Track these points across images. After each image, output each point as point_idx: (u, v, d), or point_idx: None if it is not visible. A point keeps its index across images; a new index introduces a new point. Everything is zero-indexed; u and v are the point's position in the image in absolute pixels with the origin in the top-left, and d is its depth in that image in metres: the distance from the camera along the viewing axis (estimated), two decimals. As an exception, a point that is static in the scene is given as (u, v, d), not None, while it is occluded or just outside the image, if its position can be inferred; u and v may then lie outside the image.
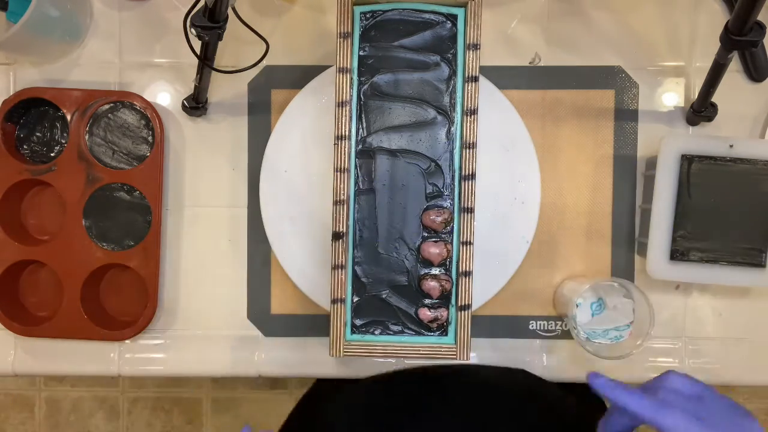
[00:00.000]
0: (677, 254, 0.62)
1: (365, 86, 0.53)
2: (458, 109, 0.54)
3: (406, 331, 0.54)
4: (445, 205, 0.53)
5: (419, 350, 0.53)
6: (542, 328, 0.68)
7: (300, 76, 0.66)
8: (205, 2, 0.51)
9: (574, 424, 0.63)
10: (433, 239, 0.53)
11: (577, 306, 0.61)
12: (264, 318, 0.68)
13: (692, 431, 0.41)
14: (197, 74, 0.61)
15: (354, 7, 0.53)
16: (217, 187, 0.68)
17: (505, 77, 0.67)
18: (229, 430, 1.49)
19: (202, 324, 0.68)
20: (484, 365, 0.58)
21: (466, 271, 0.53)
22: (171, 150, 0.69)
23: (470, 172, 0.53)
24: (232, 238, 0.68)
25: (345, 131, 0.53)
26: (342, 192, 0.53)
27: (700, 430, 0.41)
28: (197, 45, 0.56)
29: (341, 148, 0.53)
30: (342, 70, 0.52)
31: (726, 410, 0.43)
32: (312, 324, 0.68)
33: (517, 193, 0.64)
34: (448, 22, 0.53)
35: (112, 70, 0.69)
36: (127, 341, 0.68)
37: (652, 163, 0.65)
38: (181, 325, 0.68)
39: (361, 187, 0.54)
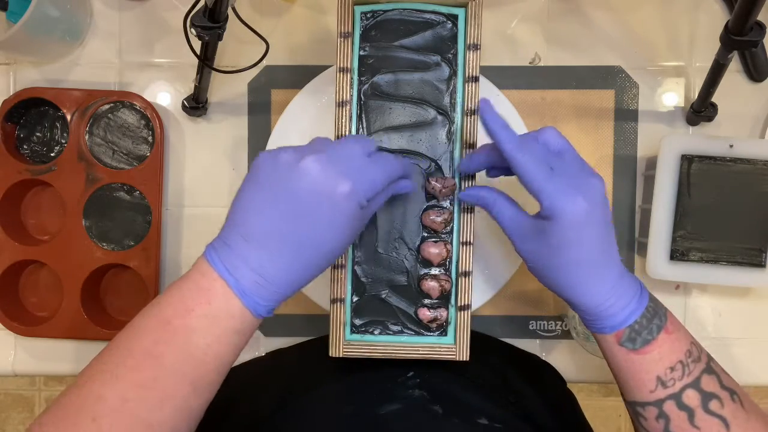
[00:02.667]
0: (677, 254, 0.62)
1: (365, 86, 0.53)
2: (458, 109, 0.54)
3: (405, 331, 0.54)
4: (445, 205, 0.53)
5: (418, 350, 0.53)
6: (542, 328, 0.68)
7: (300, 76, 0.66)
8: (205, 2, 0.51)
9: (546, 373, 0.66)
10: (433, 239, 0.53)
11: (577, 306, 0.61)
12: (264, 318, 0.68)
13: (537, 172, 0.44)
14: (197, 74, 0.61)
15: (354, 7, 0.53)
16: (217, 187, 0.68)
17: (505, 77, 0.67)
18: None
19: (202, 324, 0.68)
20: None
21: (465, 272, 0.53)
22: (171, 150, 0.69)
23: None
24: (232, 238, 0.68)
25: (345, 131, 0.53)
26: (342, 192, 0.53)
27: (546, 175, 0.44)
28: (197, 45, 0.56)
29: (341, 148, 0.53)
30: (342, 70, 0.52)
31: (577, 166, 0.46)
32: (312, 324, 0.68)
33: (517, 193, 0.64)
34: (449, 22, 0.53)
35: (112, 70, 0.69)
36: (127, 341, 0.68)
37: (652, 163, 0.65)
38: (181, 325, 0.68)
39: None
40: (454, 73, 0.53)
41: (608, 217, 0.46)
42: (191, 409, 0.42)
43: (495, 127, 0.45)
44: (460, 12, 0.53)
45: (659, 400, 0.45)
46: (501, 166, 0.49)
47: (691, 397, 0.45)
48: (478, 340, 0.63)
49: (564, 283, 0.47)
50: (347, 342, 0.53)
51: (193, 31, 0.52)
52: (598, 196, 0.45)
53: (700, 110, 0.64)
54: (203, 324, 0.41)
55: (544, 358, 0.68)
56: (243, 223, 0.42)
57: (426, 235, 0.54)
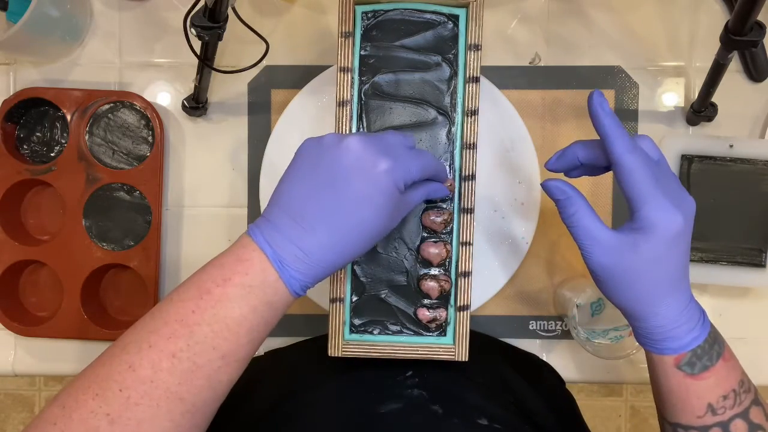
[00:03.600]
0: (677, 254, 0.62)
1: (366, 86, 0.53)
2: (459, 109, 0.54)
3: (404, 331, 0.54)
4: (444, 206, 0.53)
5: (417, 350, 0.53)
6: (542, 328, 0.68)
7: (300, 76, 0.66)
8: (205, 2, 0.51)
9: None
10: (433, 239, 0.53)
11: (577, 306, 0.61)
12: (264, 318, 0.68)
13: (647, 180, 0.43)
14: (197, 74, 0.61)
15: (356, 7, 0.53)
16: (217, 187, 0.68)
17: (505, 77, 0.67)
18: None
19: (202, 324, 0.68)
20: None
21: (465, 272, 0.53)
22: (171, 150, 0.69)
23: (470, 173, 0.53)
24: (232, 238, 0.68)
25: (345, 131, 0.53)
26: (342, 192, 0.53)
27: (654, 184, 0.43)
28: (197, 45, 0.56)
29: (341, 148, 0.53)
30: (343, 70, 0.52)
31: (674, 181, 0.45)
32: (311, 324, 0.68)
33: (517, 194, 0.64)
34: (450, 22, 0.53)
35: (112, 70, 0.69)
36: (127, 341, 0.68)
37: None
38: (181, 325, 0.68)
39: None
40: (454, 74, 0.53)
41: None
42: (220, 384, 0.42)
43: (610, 123, 0.44)
44: (461, 12, 0.53)
45: (705, 426, 0.45)
46: (596, 165, 0.48)
47: (739, 427, 0.45)
48: (477, 339, 0.63)
49: (639, 300, 0.45)
50: (346, 342, 0.53)
51: (193, 31, 0.52)
52: (692, 215, 0.44)
53: (700, 110, 0.64)
54: (239, 293, 0.41)
55: (544, 358, 0.68)
56: (286, 201, 0.43)
57: (426, 235, 0.54)
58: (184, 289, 0.42)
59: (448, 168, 0.54)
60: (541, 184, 0.48)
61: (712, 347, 0.46)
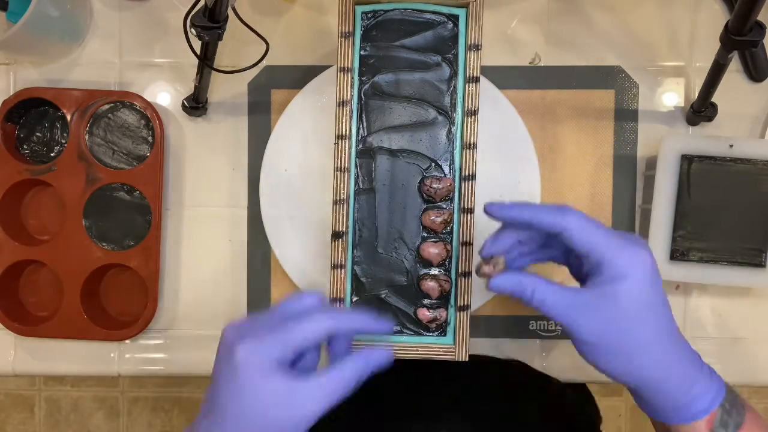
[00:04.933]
0: (677, 254, 0.62)
1: (366, 86, 0.53)
2: (459, 109, 0.54)
3: (404, 331, 0.54)
4: (444, 206, 0.53)
5: (417, 350, 0.53)
6: (542, 328, 0.68)
7: (300, 76, 0.66)
8: (205, 2, 0.51)
9: (574, 415, 0.63)
10: (433, 239, 0.53)
11: (577, 306, 0.60)
12: (264, 318, 0.68)
13: (597, 227, 0.41)
14: (197, 74, 0.61)
15: (355, 7, 0.53)
16: (217, 187, 0.68)
17: (505, 77, 0.67)
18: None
19: (203, 324, 0.68)
20: (481, 360, 0.58)
21: (465, 272, 0.53)
22: (171, 150, 0.69)
23: (470, 173, 0.53)
24: (232, 238, 0.68)
25: (345, 131, 0.53)
26: (342, 191, 0.53)
27: (604, 231, 0.41)
28: (197, 45, 0.56)
29: (341, 147, 0.53)
30: (343, 70, 0.52)
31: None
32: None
33: (517, 194, 0.64)
34: (450, 22, 0.53)
35: (112, 70, 0.69)
36: (127, 341, 0.68)
37: (652, 163, 0.65)
38: (181, 325, 0.68)
39: (361, 186, 0.54)
40: (454, 74, 0.53)
41: None
42: None
43: (524, 208, 0.42)
44: (461, 12, 0.53)
45: None
46: (531, 240, 0.46)
47: None
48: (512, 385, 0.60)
49: (640, 359, 0.41)
50: (347, 342, 0.53)
51: (193, 31, 0.52)
52: (651, 254, 0.41)
53: (700, 110, 0.64)
54: None
55: (544, 358, 0.68)
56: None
57: (426, 235, 0.54)
58: None
59: (448, 168, 0.53)
60: (490, 288, 0.45)
61: (736, 398, 0.42)
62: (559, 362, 0.67)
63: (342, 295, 0.53)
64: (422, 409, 0.53)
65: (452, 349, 0.53)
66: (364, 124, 0.53)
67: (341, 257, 0.53)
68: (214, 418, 0.41)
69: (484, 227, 0.64)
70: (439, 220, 0.53)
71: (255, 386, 0.39)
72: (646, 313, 0.41)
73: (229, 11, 0.53)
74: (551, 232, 0.42)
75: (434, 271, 0.54)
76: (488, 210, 0.44)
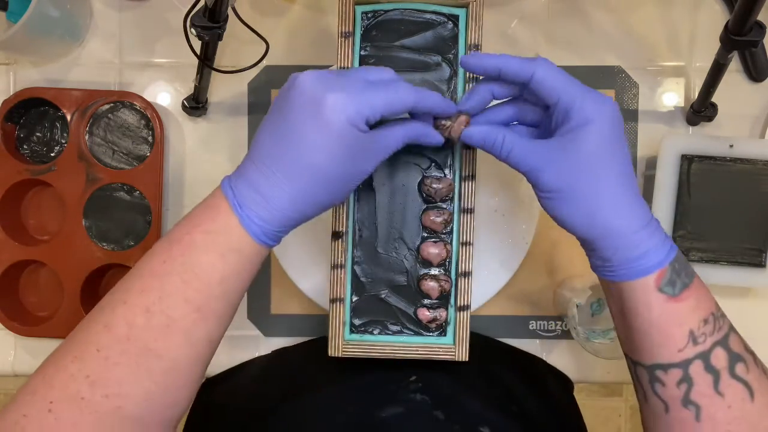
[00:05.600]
0: (677, 254, 0.62)
1: (365, 86, 0.53)
2: (458, 109, 0.54)
3: (404, 331, 0.54)
4: (444, 206, 0.53)
5: (417, 350, 0.53)
6: (542, 328, 0.68)
7: (300, 76, 0.66)
8: (205, 2, 0.51)
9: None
10: (433, 239, 0.53)
11: (577, 306, 0.61)
12: (264, 318, 0.68)
13: (565, 77, 0.42)
14: (197, 74, 0.61)
15: (355, 7, 0.53)
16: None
17: (505, 77, 0.67)
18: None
19: (202, 324, 0.68)
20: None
21: (465, 272, 0.53)
22: (171, 150, 0.69)
23: (470, 173, 0.53)
24: (232, 238, 0.68)
25: (345, 131, 0.53)
26: (342, 192, 0.53)
27: (570, 80, 0.42)
28: (197, 45, 0.56)
29: (341, 148, 0.53)
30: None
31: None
32: (312, 324, 0.68)
33: (517, 194, 0.64)
34: (450, 22, 0.53)
35: (112, 70, 0.69)
36: (127, 341, 0.68)
37: (652, 163, 0.65)
38: (181, 325, 0.68)
39: (360, 186, 0.54)
40: (454, 74, 0.53)
41: None
42: (199, 341, 0.41)
43: (495, 58, 0.43)
44: (461, 12, 0.53)
45: (686, 360, 0.42)
46: (508, 95, 0.46)
47: (720, 358, 0.42)
48: (480, 344, 0.63)
49: (601, 207, 0.42)
50: (346, 342, 0.53)
51: (193, 31, 0.52)
52: (617, 106, 0.42)
53: (700, 110, 0.64)
54: (205, 240, 0.40)
55: (544, 358, 0.68)
56: (253, 147, 0.42)
57: (426, 235, 0.54)
58: (158, 243, 0.42)
59: (448, 168, 0.53)
60: (459, 109, 0.46)
61: (686, 264, 0.43)
62: (559, 362, 0.67)
63: (342, 295, 0.53)
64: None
65: (452, 349, 0.53)
66: (364, 124, 0.53)
67: (341, 257, 0.53)
68: (276, 166, 0.40)
69: (483, 227, 0.64)
70: (439, 220, 0.53)
71: (343, 139, 0.39)
72: (608, 159, 0.42)
73: (229, 11, 0.53)
74: (521, 80, 0.43)
75: (434, 271, 0.54)
76: (463, 62, 0.45)
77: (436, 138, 0.47)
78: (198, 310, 0.40)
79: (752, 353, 0.44)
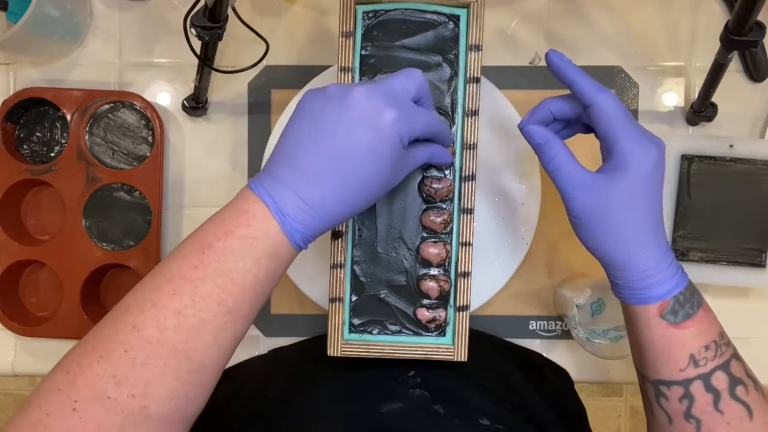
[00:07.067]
0: (677, 254, 0.62)
1: (365, 86, 0.53)
2: (459, 110, 0.54)
3: (404, 331, 0.54)
4: (444, 206, 0.53)
5: (417, 350, 0.53)
6: (542, 328, 0.68)
7: (300, 76, 0.66)
8: (205, 2, 0.51)
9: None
10: (433, 240, 0.53)
11: (577, 306, 0.61)
12: (264, 318, 0.68)
13: (622, 115, 0.44)
14: (197, 74, 0.61)
15: (356, 6, 0.53)
16: (217, 187, 0.68)
17: (505, 77, 0.67)
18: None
19: (202, 324, 0.68)
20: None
21: (465, 272, 0.53)
22: (171, 150, 0.69)
23: (470, 173, 0.53)
24: (232, 238, 0.68)
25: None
26: (342, 192, 0.53)
27: (628, 120, 0.45)
28: (197, 45, 0.56)
29: (341, 148, 0.53)
30: (343, 70, 0.52)
31: (640, 125, 0.46)
32: (312, 324, 0.68)
33: (517, 194, 0.64)
34: (451, 22, 0.53)
35: (112, 70, 0.69)
36: (127, 341, 0.68)
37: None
38: (181, 325, 0.68)
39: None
40: (455, 74, 0.53)
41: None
42: (226, 340, 0.41)
43: (575, 71, 0.46)
44: (461, 12, 0.53)
45: (687, 379, 0.45)
46: (569, 118, 0.49)
47: (720, 380, 0.44)
48: (479, 339, 0.63)
49: (622, 243, 0.45)
50: (346, 341, 0.53)
51: (193, 31, 0.52)
52: (664, 151, 0.45)
53: (700, 110, 0.64)
54: (241, 246, 0.40)
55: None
56: (288, 153, 0.42)
57: (425, 235, 0.54)
58: (185, 246, 0.42)
59: (448, 169, 0.54)
60: (519, 128, 0.49)
61: (693, 296, 0.46)
62: (559, 362, 0.67)
63: (341, 295, 0.53)
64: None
65: (451, 350, 0.53)
66: (364, 124, 0.53)
67: (341, 257, 0.53)
68: (323, 170, 0.42)
69: (483, 227, 0.64)
70: (438, 220, 0.53)
71: (392, 150, 0.42)
72: (638, 203, 0.45)
73: (229, 11, 0.53)
74: (583, 101, 0.46)
75: (434, 272, 0.54)
76: (550, 57, 0.48)
77: (447, 159, 0.51)
78: (229, 312, 0.40)
79: (754, 379, 0.46)
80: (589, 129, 0.50)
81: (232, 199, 0.43)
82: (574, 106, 0.48)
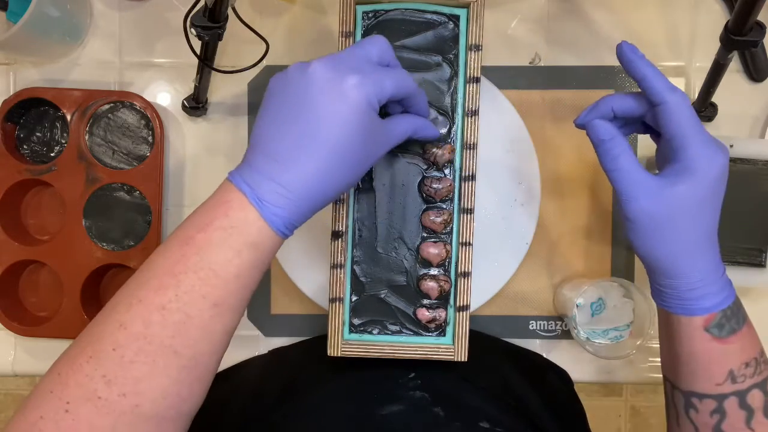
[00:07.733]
0: (677, 254, 0.62)
1: (365, 86, 0.53)
2: (459, 110, 0.54)
3: (404, 331, 0.54)
4: (444, 206, 0.53)
5: (417, 350, 0.53)
6: (542, 328, 0.68)
7: (300, 76, 0.66)
8: (205, 2, 0.51)
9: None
10: (433, 240, 0.53)
11: (577, 306, 0.61)
12: (264, 318, 0.68)
13: (693, 117, 0.43)
14: (197, 74, 0.61)
15: (356, 7, 0.53)
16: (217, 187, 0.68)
17: (505, 77, 0.67)
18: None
19: (202, 324, 0.68)
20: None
21: (465, 272, 0.53)
22: (171, 150, 0.69)
23: (470, 173, 0.53)
24: (232, 238, 0.68)
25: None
26: (342, 192, 0.53)
27: (699, 125, 0.43)
28: (197, 45, 0.56)
29: (341, 148, 0.53)
30: (342, 70, 0.52)
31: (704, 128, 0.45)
32: (311, 324, 0.68)
33: (517, 194, 0.64)
34: (451, 22, 0.53)
35: (112, 70, 0.69)
36: (127, 341, 0.68)
37: (652, 163, 0.65)
38: (181, 325, 0.68)
39: (360, 186, 0.54)
40: (455, 74, 0.53)
41: None
42: (215, 334, 0.41)
43: (647, 64, 0.44)
44: (461, 12, 0.53)
45: (722, 394, 0.44)
46: (631, 116, 0.47)
47: (756, 398, 0.44)
48: (479, 340, 0.63)
49: (679, 253, 0.43)
50: (345, 341, 0.53)
51: (193, 31, 0.52)
52: (728, 160, 0.44)
53: (701, 110, 0.64)
54: (220, 236, 0.40)
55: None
56: (260, 140, 0.42)
57: (425, 235, 0.54)
58: (168, 241, 0.42)
59: (448, 168, 0.54)
60: (578, 123, 0.47)
61: (739, 310, 0.45)
62: (559, 362, 0.67)
63: (341, 295, 0.53)
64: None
65: (451, 350, 0.53)
66: (364, 124, 0.53)
67: (341, 257, 0.53)
68: (293, 148, 0.41)
69: (483, 227, 0.64)
70: (439, 220, 0.53)
71: (362, 116, 0.40)
72: (698, 211, 0.43)
73: (229, 11, 0.53)
74: (654, 98, 0.44)
75: (434, 272, 0.54)
76: (623, 48, 0.45)
77: (433, 132, 0.49)
78: (215, 305, 0.40)
79: None
80: (647, 129, 0.48)
81: (214, 191, 0.43)
82: (639, 104, 0.46)
